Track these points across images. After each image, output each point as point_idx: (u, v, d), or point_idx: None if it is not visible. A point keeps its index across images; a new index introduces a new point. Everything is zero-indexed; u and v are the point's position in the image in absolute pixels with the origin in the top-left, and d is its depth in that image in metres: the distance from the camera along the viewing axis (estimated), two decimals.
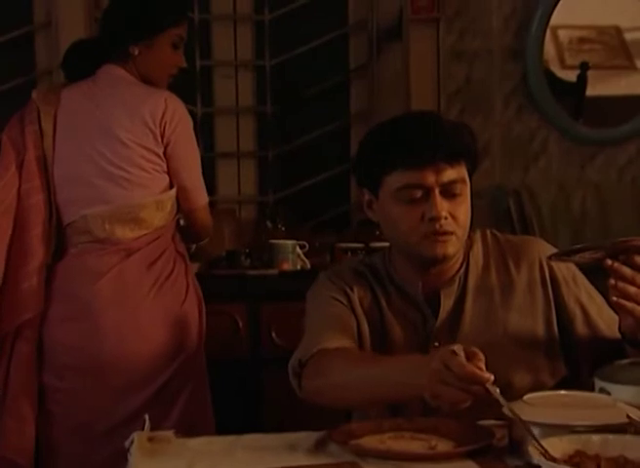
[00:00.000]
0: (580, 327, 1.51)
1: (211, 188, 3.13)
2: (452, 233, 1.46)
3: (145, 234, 2.12)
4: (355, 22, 3.19)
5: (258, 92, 3.18)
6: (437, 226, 1.44)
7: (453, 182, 1.45)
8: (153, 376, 2.09)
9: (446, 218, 1.44)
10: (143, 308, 2.09)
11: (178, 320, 2.12)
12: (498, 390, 1.17)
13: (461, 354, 1.18)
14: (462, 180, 1.47)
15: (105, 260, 2.10)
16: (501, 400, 1.17)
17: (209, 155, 3.16)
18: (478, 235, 1.58)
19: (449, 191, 1.45)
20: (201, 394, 2.17)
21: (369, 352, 1.50)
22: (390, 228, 1.51)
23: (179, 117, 2.13)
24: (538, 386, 1.37)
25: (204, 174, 3.08)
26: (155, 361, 2.08)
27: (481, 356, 1.19)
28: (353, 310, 1.53)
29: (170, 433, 1.34)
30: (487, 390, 1.16)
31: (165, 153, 2.13)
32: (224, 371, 2.40)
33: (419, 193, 1.44)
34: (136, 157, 2.09)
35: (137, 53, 2.15)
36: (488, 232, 1.60)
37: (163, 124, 2.10)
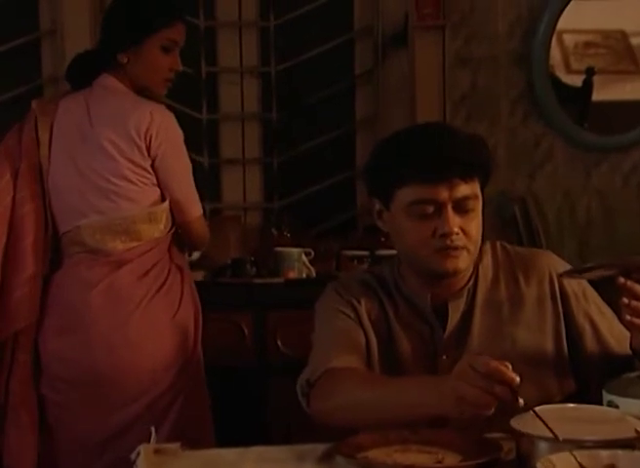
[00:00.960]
0: (590, 342, 1.51)
1: (216, 195, 3.17)
2: (463, 248, 1.45)
3: (137, 246, 2.11)
4: (360, 28, 3.19)
5: (263, 98, 3.18)
6: (448, 242, 1.43)
7: (466, 198, 1.44)
8: (145, 388, 2.08)
9: (457, 234, 1.43)
10: (134, 320, 2.08)
11: (169, 332, 2.11)
12: (522, 400, 1.16)
13: (485, 355, 1.18)
14: (475, 196, 1.46)
15: (96, 271, 2.10)
16: (526, 408, 1.16)
17: (214, 161, 3.17)
18: (488, 247, 1.57)
19: (461, 207, 1.44)
20: (197, 404, 2.15)
21: (376, 373, 1.49)
22: (400, 241, 1.51)
23: (165, 130, 2.11)
24: (545, 401, 1.35)
25: (209, 180, 3.14)
26: (146, 373, 2.07)
27: (507, 362, 1.18)
28: (361, 323, 1.53)
29: (176, 445, 1.34)
30: (512, 392, 1.15)
31: (153, 166, 2.12)
32: (230, 380, 2.40)
33: (431, 208, 1.43)
34: (123, 170, 2.09)
35: (126, 61, 2.15)
36: (498, 244, 1.59)
37: (148, 137, 2.09)
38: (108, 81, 2.16)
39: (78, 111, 2.15)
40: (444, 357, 1.50)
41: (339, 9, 3.17)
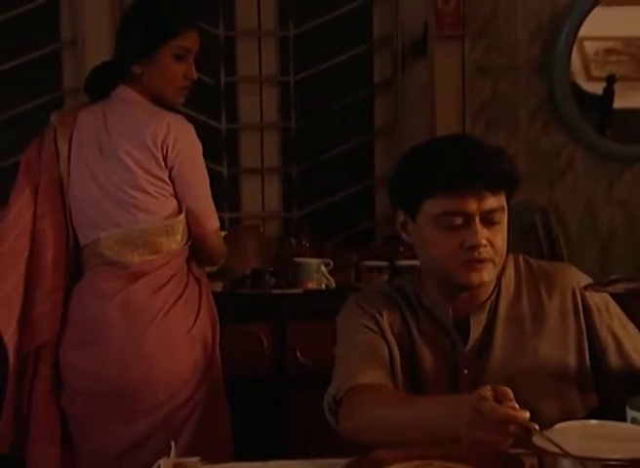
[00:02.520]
0: (613, 357, 1.50)
1: (235, 204, 3.17)
2: (489, 260, 1.45)
3: (154, 258, 2.11)
4: (380, 38, 3.19)
5: (282, 107, 3.19)
6: (476, 254, 1.43)
7: (493, 211, 1.44)
8: (160, 401, 2.07)
9: (485, 246, 1.43)
10: (149, 333, 2.07)
11: (185, 344, 2.10)
12: (537, 426, 1.13)
13: (491, 397, 1.15)
14: (502, 209, 1.46)
15: (113, 284, 2.10)
16: (542, 434, 1.14)
17: (233, 171, 3.17)
18: (510, 260, 1.57)
19: (488, 219, 1.44)
20: (215, 416, 2.14)
21: (399, 392, 1.48)
22: (426, 252, 1.50)
23: (182, 140, 2.10)
24: (567, 416, 1.34)
25: (228, 190, 3.14)
26: (161, 386, 2.07)
27: (510, 395, 1.16)
28: (384, 336, 1.52)
29: (196, 459, 1.34)
30: (525, 428, 1.13)
31: (170, 177, 2.11)
32: (249, 391, 2.40)
33: (459, 220, 1.43)
34: (140, 181, 2.08)
35: (140, 72, 2.15)
36: (520, 258, 1.59)
37: (165, 147, 2.08)
38: (125, 92, 2.16)
39: (96, 123, 2.15)
40: (465, 371, 1.49)
41: (358, 18, 3.17)
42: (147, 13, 2.18)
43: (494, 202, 1.44)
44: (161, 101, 2.18)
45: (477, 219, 1.43)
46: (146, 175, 2.09)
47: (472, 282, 1.46)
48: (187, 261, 2.18)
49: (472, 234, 1.42)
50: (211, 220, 2.19)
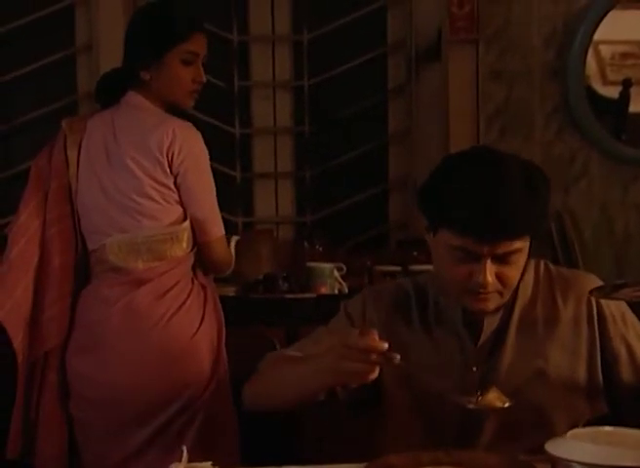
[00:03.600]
0: (625, 367, 1.48)
1: (248, 209, 3.18)
2: (496, 292, 1.43)
3: (158, 265, 2.10)
4: (394, 42, 3.19)
5: (296, 112, 3.19)
6: (482, 290, 1.41)
7: (508, 253, 1.40)
8: (160, 408, 2.05)
9: (492, 283, 1.41)
10: (151, 339, 2.06)
11: (188, 351, 2.08)
12: (398, 356, 1.27)
13: (355, 332, 1.31)
14: (519, 251, 1.41)
15: (116, 290, 2.09)
16: (403, 364, 1.28)
17: (246, 176, 3.18)
18: (531, 264, 1.54)
19: (502, 259, 1.40)
20: (220, 422, 2.12)
21: (292, 353, 1.57)
22: (437, 266, 1.49)
23: (188, 147, 2.08)
24: (576, 423, 1.33)
25: (242, 194, 3.14)
26: (162, 392, 2.05)
27: (374, 332, 1.29)
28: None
29: (208, 464, 1.33)
30: (386, 357, 1.27)
31: (175, 183, 2.10)
32: None
33: (471, 256, 1.40)
34: (146, 188, 2.08)
35: (148, 78, 2.14)
36: (542, 263, 1.56)
37: (170, 154, 2.07)
38: (134, 98, 2.16)
39: (104, 129, 2.15)
40: (474, 368, 1.47)
41: (372, 23, 3.17)
42: (153, 18, 2.18)
43: (510, 246, 1.39)
44: (172, 106, 2.18)
45: (488, 260, 1.39)
46: (152, 182, 2.09)
47: (474, 310, 1.45)
48: (193, 268, 2.18)
49: (480, 272, 1.39)
50: (215, 228, 2.17)
